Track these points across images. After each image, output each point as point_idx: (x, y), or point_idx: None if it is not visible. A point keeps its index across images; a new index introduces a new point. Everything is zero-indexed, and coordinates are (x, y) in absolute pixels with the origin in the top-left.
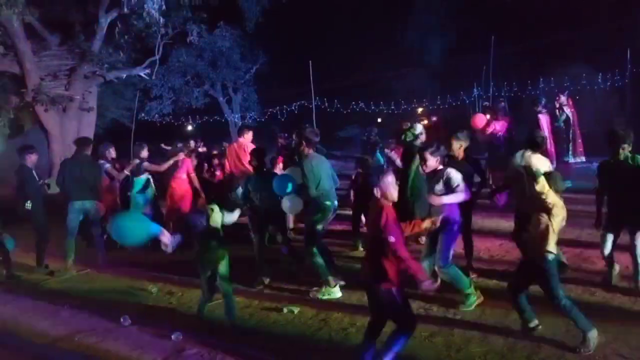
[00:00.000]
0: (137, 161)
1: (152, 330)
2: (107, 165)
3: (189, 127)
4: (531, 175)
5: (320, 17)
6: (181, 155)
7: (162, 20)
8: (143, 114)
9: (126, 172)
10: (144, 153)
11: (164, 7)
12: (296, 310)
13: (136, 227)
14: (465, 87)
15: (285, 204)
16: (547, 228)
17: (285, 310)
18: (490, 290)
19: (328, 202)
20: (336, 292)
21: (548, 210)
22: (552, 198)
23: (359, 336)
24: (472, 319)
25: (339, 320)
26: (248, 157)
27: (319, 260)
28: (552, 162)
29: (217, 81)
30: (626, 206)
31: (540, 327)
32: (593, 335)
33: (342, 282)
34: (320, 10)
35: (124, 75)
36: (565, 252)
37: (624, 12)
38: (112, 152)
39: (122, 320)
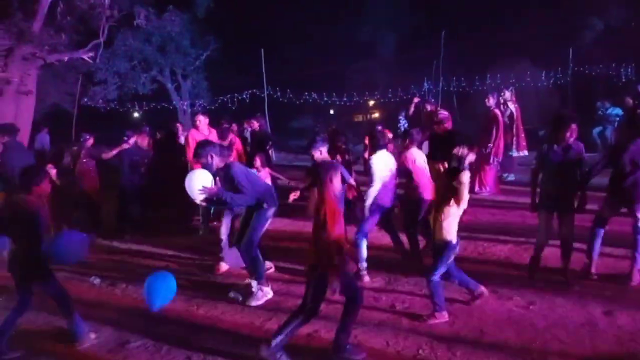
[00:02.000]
0: (127, 146)
1: (95, 322)
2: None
3: (135, 114)
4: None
5: (273, 4)
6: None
7: (107, 1)
8: (86, 99)
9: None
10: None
11: None
12: (240, 298)
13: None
14: (416, 81)
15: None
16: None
17: (232, 294)
18: None
19: None
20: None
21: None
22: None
23: (308, 325)
24: (420, 307)
25: (288, 310)
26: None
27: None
28: (498, 156)
29: (166, 67)
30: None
31: None
32: (441, 315)
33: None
34: None
35: (66, 58)
36: (509, 241)
37: (569, 13)
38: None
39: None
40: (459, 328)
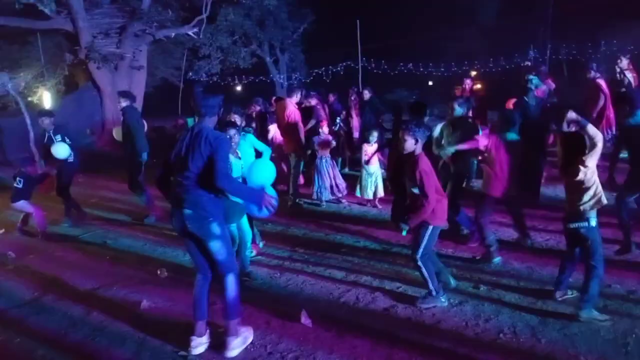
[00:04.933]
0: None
1: (186, 284)
2: None
3: (237, 88)
4: None
5: None
6: None
7: None
8: (191, 73)
9: None
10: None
11: None
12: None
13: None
14: (520, 49)
15: None
16: None
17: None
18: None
19: None
20: None
21: None
22: None
23: (385, 300)
24: (505, 291)
25: (367, 283)
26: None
27: None
28: (611, 128)
29: (265, 41)
30: None
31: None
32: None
33: None
34: None
35: (173, 34)
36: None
37: None
38: None
39: (158, 272)
40: (549, 313)
